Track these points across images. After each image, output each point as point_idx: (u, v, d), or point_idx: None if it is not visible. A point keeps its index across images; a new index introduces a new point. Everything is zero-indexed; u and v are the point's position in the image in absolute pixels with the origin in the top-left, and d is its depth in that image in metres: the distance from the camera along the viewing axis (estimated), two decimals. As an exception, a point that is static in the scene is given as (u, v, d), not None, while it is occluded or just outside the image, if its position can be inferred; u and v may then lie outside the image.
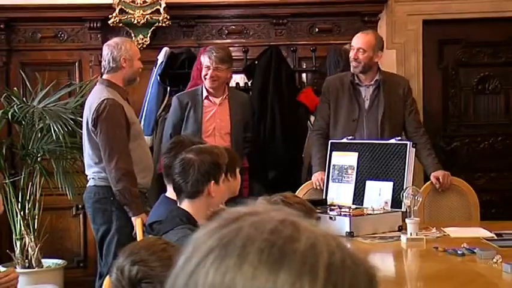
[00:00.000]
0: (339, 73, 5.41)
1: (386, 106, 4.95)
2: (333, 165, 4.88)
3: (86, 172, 4.73)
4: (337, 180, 4.83)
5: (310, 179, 5.28)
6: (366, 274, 0.82)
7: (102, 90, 4.63)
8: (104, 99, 4.52)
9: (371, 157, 4.68)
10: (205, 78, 5.08)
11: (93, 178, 4.66)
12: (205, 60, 5.05)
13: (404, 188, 4.29)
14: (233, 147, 4.74)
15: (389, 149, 4.60)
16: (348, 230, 4.09)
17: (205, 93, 5.13)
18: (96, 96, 4.63)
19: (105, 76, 4.71)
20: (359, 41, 4.99)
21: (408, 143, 4.54)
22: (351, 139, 4.92)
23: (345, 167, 4.81)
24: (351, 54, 4.99)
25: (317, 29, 6.30)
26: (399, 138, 4.69)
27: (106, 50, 4.71)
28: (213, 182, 3.31)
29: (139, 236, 3.94)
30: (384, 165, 4.60)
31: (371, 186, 4.64)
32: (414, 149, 4.53)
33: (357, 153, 4.76)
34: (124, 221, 4.51)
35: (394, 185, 4.49)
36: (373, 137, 4.86)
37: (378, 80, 4.99)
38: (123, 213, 4.51)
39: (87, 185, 4.71)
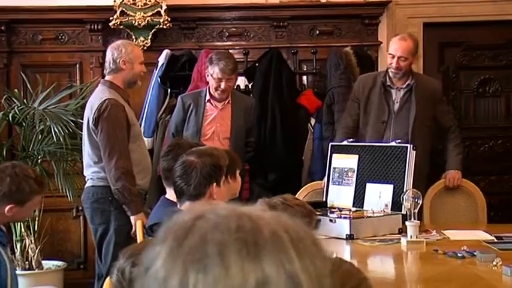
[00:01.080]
0: (373, 72, 5.34)
1: (418, 110, 4.88)
2: (333, 168, 4.88)
3: (85, 173, 4.73)
4: (337, 183, 4.83)
5: (311, 182, 5.30)
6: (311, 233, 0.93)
7: (104, 91, 4.65)
8: (106, 99, 4.53)
9: (371, 160, 4.69)
10: (215, 89, 5.06)
11: (91, 178, 4.66)
12: (215, 71, 5.01)
13: (405, 190, 4.29)
14: None
15: (390, 151, 4.60)
16: (348, 233, 4.09)
17: (208, 97, 5.13)
18: (97, 96, 4.64)
19: (106, 77, 4.73)
20: (399, 48, 4.84)
21: (408, 145, 4.54)
22: (351, 141, 4.92)
23: (345, 169, 4.81)
24: (392, 63, 4.85)
25: (318, 32, 6.30)
26: (399, 140, 4.69)
27: (108, 52, 4.73)
28: (214, 184, 3.33)
29: (139, 237, 3.94)
30: (384, 167, 4.61)
31: (371, 188, 4.64)
32: (415, 152, 4.53)
33: (357, 156, 4.76)
34: (123, 221, 4.52)
35: (394, 188, 4.50)
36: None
37: (410, 84, 4.91)
38: (122, 213, 4.51)
39: (85, 186, 4.72)
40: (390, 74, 4.92)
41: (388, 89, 4.96)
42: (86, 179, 4.71)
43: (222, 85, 5.01)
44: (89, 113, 4.62)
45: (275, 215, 0.91)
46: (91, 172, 4.66)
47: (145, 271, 0.90)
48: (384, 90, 4.94)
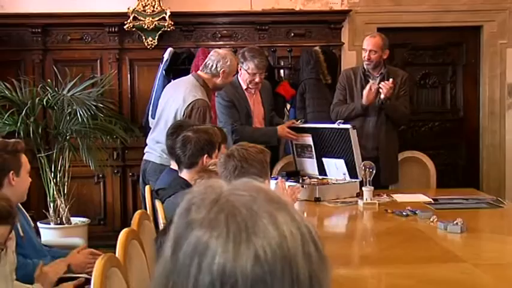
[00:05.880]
0: (354, 67, 5.24)
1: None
2: (295, 144, 4.85)
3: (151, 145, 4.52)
4: (302, 155, 4.83)
5: (286, 155, 5.33)
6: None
7: (196, 88, 4.37)
8: (199, 99, 4.26)
9: (321, 138, 4.64)
10: (250, 82, 4.74)
11: (159, 156, 4.40)
12: (250, 66, 4.68)
13: (361, 162, 4.28)
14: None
15: (334, 132, 4.53)
16: (316, 196, 4.14)
17: (244, 86, 4.81)
18: (191, 90, 4.35)
19: (202, 73, 4.49)
20: (369, 43, 4.80)
21: (349, 127, 4.45)
22: (301, 123, 4.88)
23: (305, 145, 4.78)
24: (365, 56, 4.81)
25: (293, 34, 6.29)
26: (341, 121, 4.59)
27: (215, 55, 4.48)
28: (206, 155, 3.37)
29: (148, 201, 3.91)
30: (333, 146, 4.56)
31: (328, 162, 4.63)
32: (355, 131, 4.45)
33: (310, 135, 4.72)
34: None
35: (346, 162, 4.48)
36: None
37: (383, 73, 4.84)
38: None
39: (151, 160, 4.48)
40: (365, 65, 4.88)
41: (366, 78, 4.87)
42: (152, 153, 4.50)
43: (257, 79, 4.72)
44: (180, 104, 4.32)
45: (267, 186, 0.90)
46: (160, 150, 4.36)
47: (201, 255, 0.81)
48: (364, 79, 4.87)
